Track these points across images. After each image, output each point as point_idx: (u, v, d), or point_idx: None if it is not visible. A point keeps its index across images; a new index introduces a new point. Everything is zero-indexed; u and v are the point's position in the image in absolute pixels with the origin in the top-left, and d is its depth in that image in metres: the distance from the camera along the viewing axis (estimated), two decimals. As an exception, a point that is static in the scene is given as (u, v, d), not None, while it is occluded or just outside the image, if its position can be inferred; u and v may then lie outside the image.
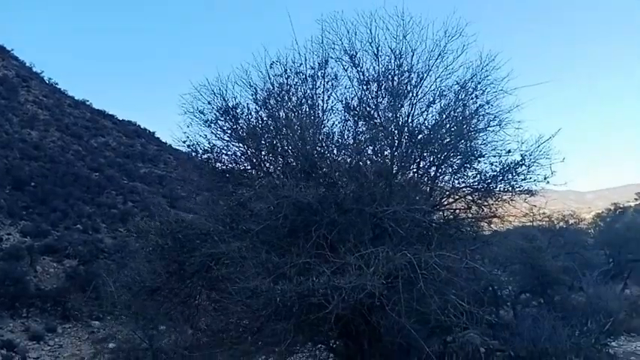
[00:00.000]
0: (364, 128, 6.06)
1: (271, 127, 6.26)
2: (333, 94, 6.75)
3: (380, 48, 6.28)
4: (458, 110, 6.19)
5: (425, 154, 6.04)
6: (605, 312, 14.07)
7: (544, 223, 21.09)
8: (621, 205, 48.92)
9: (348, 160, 5.82)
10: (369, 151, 5.90)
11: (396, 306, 5.14)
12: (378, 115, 6.02)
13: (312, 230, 5.22)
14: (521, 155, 5.93)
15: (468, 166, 6.17)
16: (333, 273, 4.95)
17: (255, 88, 6.68)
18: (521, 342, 10.17)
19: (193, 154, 7.06)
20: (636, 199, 51.73)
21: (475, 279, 5.54)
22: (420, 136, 5.96)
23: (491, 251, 7.91)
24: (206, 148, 6.89)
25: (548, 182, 6.05)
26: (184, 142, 7.00)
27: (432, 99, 6.19)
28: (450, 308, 5.09)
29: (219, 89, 6.69)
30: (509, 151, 6.00)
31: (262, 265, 5.19)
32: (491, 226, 14.63)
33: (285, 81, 6.75)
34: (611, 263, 22.20)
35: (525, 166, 5.93)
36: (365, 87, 6.22)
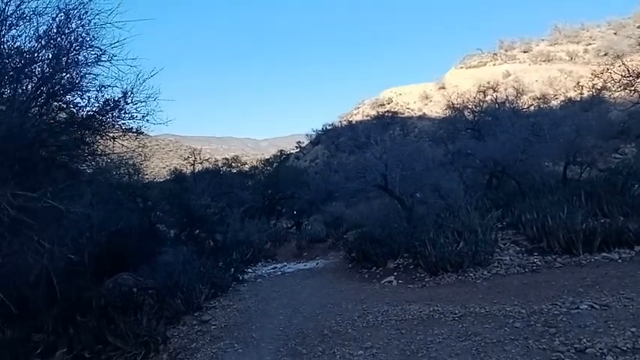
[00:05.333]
0: None
1: None
2: None
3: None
4: (57, 39, 5.65)
5: (12, 83, 5.35)
6: (249, 243, 16.13)
7: (209, 166, 22.59)
8: (285, 152, 56.77)
9: None
10: None
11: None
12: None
13: None
14: (123, 92, 5.88)
15: (67, 99, 5.80)
16: None
17: None
18: (160, 277, 10.72)
19: None
20: (297, 147, 60.54)
21: (65, 219, 5.27)
22: (1, 61, 5.21)
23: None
24: None
25: (147, 120, 6.19)
26: None
27: (15, 21, 5.43)
28: (29, 250, 4.74)
29: None
30: (104, 86, 5.85)
31: None
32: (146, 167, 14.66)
33: None
34: (265, 201, 25.30)
35: (129, 103, 5.90)
36: None
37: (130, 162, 13.43)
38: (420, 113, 44.65)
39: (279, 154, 53.89)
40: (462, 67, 51.24)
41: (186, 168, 19.31)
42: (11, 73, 5.21)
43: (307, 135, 57.31)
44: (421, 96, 49.48)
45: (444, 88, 46.48)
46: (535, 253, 10.15)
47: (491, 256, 10.25)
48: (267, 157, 53.22)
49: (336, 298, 9.42)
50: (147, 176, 16.20)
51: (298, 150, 56.85)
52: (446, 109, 26.59)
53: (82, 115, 5.89)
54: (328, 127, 53.00)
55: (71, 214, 5.05)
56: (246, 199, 20.23)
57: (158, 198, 15.27)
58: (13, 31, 5.33)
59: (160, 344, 8.05)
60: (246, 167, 28.38)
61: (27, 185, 4.92)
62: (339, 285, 10.68)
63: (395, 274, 10.64)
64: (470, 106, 22.23)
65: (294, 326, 7.92)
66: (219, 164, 23.55)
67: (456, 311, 7.45)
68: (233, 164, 24.62)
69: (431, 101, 46.97)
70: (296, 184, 24.51)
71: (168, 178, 19.97)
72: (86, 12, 5.81)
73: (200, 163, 20.04)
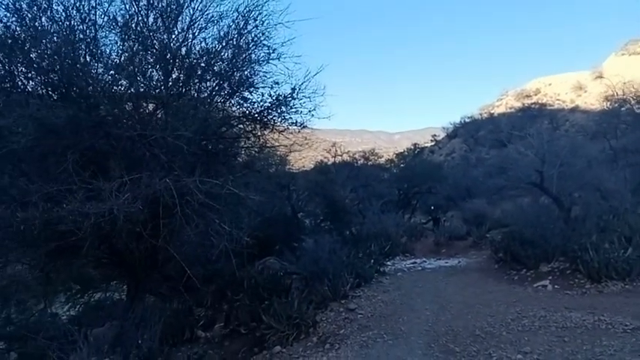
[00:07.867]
0: (134, 48, 5.68)
1: (26, 38, 5.48)
2: (110, 9, 6.14)
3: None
4: (236, 39, 6.16)
5: (198, 81, 5.96)
6: (386, 236, 16.17)
7: (347, 158, 23.05)
8: (420, 146, 55.86)
9: (111, 80, 5.43)
10: (136, 73, 5.56)
11: (159, 231, 5.15)
12: (149, 35, 5.70)
13: (66, 154, 4.84)
14: (292, 88, 6.23)
15: (242, 95, 6.30)
16: (88, 199, 4.71)
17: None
18: (306, 264, 11.23)
19: None
20: (432, 141, 59.17)
21: (240, 205, 5.75)
22: (191, 61, 5.83)
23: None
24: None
25: (312, 115, 6.48)
26: None
27: (205, 25, 6.03)
28: (212, 232, 5.27)
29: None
30: (277, 83, 6.25)
31: (4, 191, 4.71)
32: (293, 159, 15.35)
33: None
34: (401, 195, 25.12)
35: (296, 99, 6.24)
36: (134, 3, 5.76)
37: (278, 153, 14.21)
38: (573, 105, 40.84)
39: (413, 147, 53.18)
40: (623, 54, 45.73)
41: (327, 160, 19.93)
42: (199, 72, 5.83)
43: (444, 128, 55.69)
44: (574, 86, 45.19)
45: (601, 77, 41.89)
46: None
47: (666, 266, 9.10)
48: (400, 150, 52.84)
49: (485, 298, 9.08)
50: (290, 167, 16.98)
51: (433, 143, 55.51)
52: (604, 101, 24.07)
53: (255, 110, 6.39)
54: (467, 120, 50.98)
55: (248, 201, 5.51)
56: (384, 193, 20.31)
57: (301, 188, 16.00)
58: (202, 34, 5.97)
59: (310, 327, 8.44)
60: (382, 160, 28.44)
61: (210, 174, 5.47)
62: (486, 285, 10.27)
63: (550, 278, 9.94)
64: (637, 97, 19.78)
65: (442, 323, 7.79)
66: (357, 157, 23.89)
67: (627, 323, 6.78)
68: (370, 157, 24.81)
69: (585, 92, 42.71)
70: (432, 179, 23.97)
71: (307, 169, 20.81)
72: (260, 13, 6.27)
73: (340, 156, 20.56)
